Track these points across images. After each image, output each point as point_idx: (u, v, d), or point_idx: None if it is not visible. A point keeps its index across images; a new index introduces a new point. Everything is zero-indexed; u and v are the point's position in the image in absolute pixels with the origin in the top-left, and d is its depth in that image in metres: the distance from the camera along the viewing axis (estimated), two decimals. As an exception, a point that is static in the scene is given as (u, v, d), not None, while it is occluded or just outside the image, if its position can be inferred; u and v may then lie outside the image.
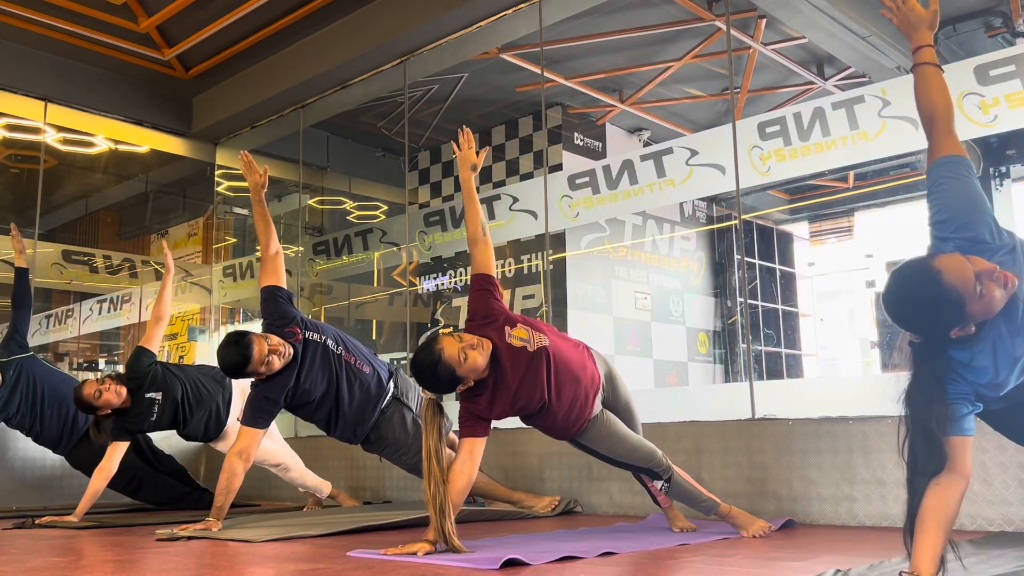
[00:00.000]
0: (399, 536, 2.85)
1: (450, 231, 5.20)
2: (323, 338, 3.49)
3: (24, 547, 2.88)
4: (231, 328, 7.40)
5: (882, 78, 4.88)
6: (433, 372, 2.51)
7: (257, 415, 3.38)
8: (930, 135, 2.04)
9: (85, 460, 4.43)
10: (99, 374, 7.35)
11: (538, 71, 5.66)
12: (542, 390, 2.66)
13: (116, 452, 3.96)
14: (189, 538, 3.05)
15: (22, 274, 4.65)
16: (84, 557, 2.61)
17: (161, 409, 4.12)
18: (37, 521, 3.80)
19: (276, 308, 3.45)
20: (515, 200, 4.80)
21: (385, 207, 7.41)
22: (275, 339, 3.32)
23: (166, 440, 4.98)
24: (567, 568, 2.19)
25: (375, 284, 7.08)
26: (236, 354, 3.24)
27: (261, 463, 4.30)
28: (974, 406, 1.82)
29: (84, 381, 4.05)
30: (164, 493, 4.81)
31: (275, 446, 4.30)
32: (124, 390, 4.02)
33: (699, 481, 3.45)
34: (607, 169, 4.38)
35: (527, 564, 2.21)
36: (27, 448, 4.92)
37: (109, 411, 4.02)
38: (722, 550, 2.50)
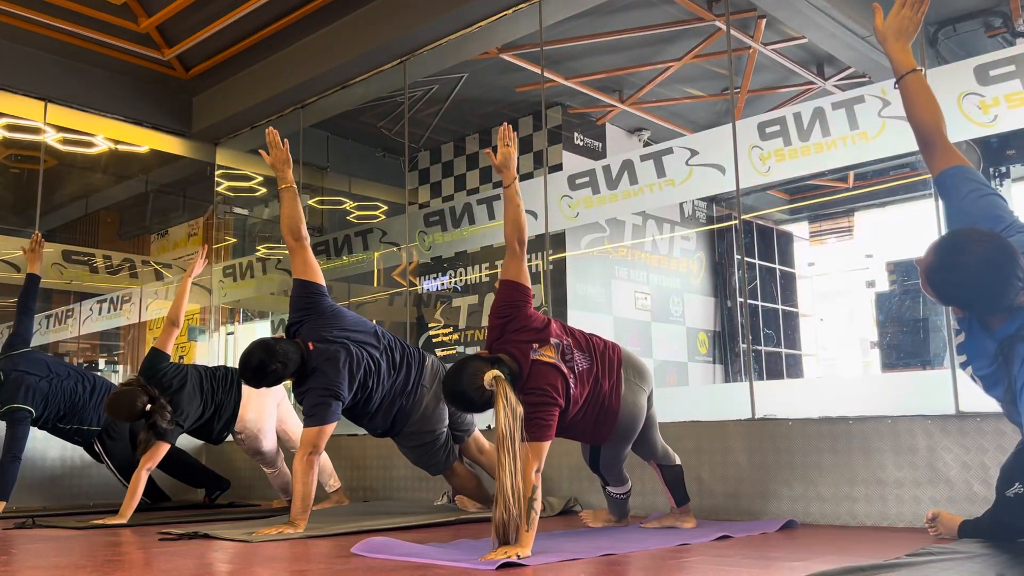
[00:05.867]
0: (398, 536, 2.84)
1: (450, 231, 5.20)
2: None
3: (24, 547, 2.89)
4: (231, 328, 7.41)
5: (882, 78, 4.86)
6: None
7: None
8: (935, 143, 2.15)
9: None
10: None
11: (538, 71, 5.65)
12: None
13: (161, 451, 3.98)
14: (191, 537, 3.05)
15: (33, 280, 4.70)
16: (84, 557, 2.61)
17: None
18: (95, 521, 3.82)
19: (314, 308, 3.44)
20: (515, 200, 4.80)
21: (385, 207, 7.41)
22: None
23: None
24: (567, 568, 2.19)
25: (375, 284, 7.08)
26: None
27: (291, 447, 4.47)
28: None
29: (125, 390, 3.99)
30: (195, 474, 5.00)
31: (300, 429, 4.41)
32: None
33: (699, 481, 3.47)
34: (607, 169, 4.38)
35: (526, 564, 2.21)
36: (27, 448, 4.91)
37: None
38: (722, 550, 2.50)
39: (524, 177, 7.02)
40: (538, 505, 2.43)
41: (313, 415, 3.23)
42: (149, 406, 3.93)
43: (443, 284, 7.62)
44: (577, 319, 6.93)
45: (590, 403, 2.79)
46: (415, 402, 3.53)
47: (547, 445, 2.57)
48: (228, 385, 4.39)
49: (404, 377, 3.52)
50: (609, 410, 2.83)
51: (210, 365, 4.63)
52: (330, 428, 3.25)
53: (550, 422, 2.58)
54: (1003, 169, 6.70)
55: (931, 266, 1.98)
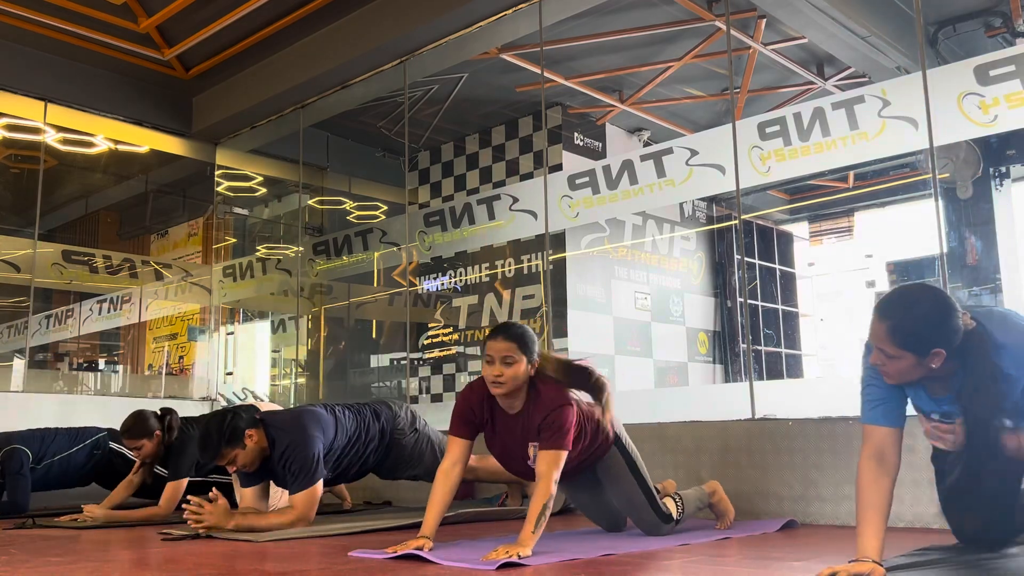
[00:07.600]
0: (398, 536, 2.85)
1: (450, 231, 5.20)
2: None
3: (24, 547, 2.88)
4: (231, 328, 7.41)
5: (882, 78, 4.88)
6: None
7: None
8: None
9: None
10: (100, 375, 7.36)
11: (538, 71, 5.65)
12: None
13: (179, 491, 3.84)
14: (192, 537, 3.05)
15: None
16: (85, 557, 2.61)
17: None
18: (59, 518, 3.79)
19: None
20: (515, 200, 4.80)
21: (385, 207, 7.41)
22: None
23: None
24: (567, 568, 2.19)
25: (375, 284, 7.08)
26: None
27: None
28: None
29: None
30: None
31: None
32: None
33: (699, 481, 3.46)
34: (607, 169, 4.38)
35: (526, 564, 2.21)
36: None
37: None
38: (721, 550, 2.50)
39: (524, 177, 7.03)
40: (549, 512, 2.44)
41: (298, 477, 3.26)
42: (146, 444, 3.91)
43: (443, 284, 7.62)
44: (577, 319, 6.93)
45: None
46: (411, 440, 3.74)
47: (565, 455, 2.54)
48: None
49: (375, 415, 3.71)
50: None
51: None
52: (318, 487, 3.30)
53: (569, 428, 2.55)
54: (1003, 169, 6.70)
55: (894, 327, 1.97)
